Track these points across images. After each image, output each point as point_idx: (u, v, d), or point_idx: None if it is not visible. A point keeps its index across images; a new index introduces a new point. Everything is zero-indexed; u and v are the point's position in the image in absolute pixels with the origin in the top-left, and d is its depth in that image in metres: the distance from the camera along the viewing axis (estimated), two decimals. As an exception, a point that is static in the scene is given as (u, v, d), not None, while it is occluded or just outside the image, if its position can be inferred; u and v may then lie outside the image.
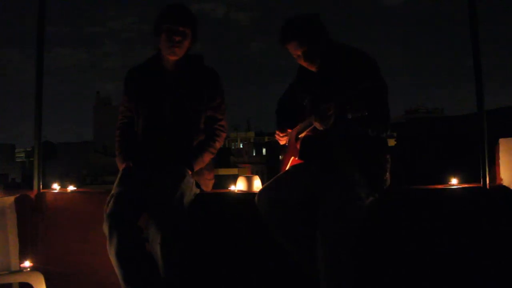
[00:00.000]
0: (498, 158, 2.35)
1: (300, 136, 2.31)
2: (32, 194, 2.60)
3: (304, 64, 2.24)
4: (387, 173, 2.18)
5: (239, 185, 2.51)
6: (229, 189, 2.51)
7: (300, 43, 2.17)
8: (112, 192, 2.21)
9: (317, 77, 2.25)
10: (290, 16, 2.24)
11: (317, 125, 2.06)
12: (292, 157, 2.36)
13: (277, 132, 2.46)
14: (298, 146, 2.31)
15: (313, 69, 2.25)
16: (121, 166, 2.38)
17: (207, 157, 2.40)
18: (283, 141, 2.45)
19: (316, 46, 2.18)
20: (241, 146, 51.35)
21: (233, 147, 54.20)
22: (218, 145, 2.44)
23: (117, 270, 2.05)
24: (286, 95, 2.53)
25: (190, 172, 2.30)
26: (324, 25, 2.22)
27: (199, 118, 2.40)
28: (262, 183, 2.43)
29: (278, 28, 2.24)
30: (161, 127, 2.37)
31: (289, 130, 2.42)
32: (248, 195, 2.36)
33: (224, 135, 2.47)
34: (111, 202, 2.14)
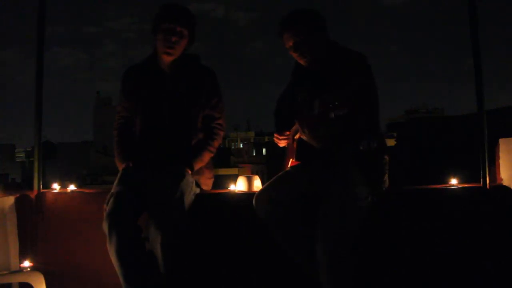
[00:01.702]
0: (498, 158, 2.35)
1: (295, 137, 2.31)
2: (32, 194, 2.60)
3: (294, 55, 2.24)
4: (386, 174, 2.18)
5: (239, 185, 2.51)
6: (229, 189, 2.51)
7: (293, 34, 2.18)
8: (112, 191, 2.21)
9: (311, 77, 2.24)
10: (291, 10, 2.25)
11: (300, 131, 2.08)
12: (291, 159, 2.36)
13: (275, 135, 2.45)
14: (295, 147, 2.31)
15: (302, 62, 2.24)
16: (120, 166, 2.38)
17: (207, 156, 2.40)
18: (281, 143, 2.44)
19: (308, 39, 2.17)
20: (241, 146, 51.39)
21: (233, 147, 54.25)
22: (216, 143, 2.44)
23: (117, 269, 2.05)
24: (284, 97, 2.52)
25: (190, 172, 2.30)
26: (321, 22, 2.22)
27: (197, 117, 2.40)
28: (262, 183, 2.43)
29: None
30: (160, 127, 2.37)
31: (287, 132, 2.42)
32: (248, 195, 2.36)
33: (222, 133, 2.47)
34: (111, 201, 2.15)
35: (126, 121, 2.50)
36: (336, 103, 1.91)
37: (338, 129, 2.05)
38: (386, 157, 2.18)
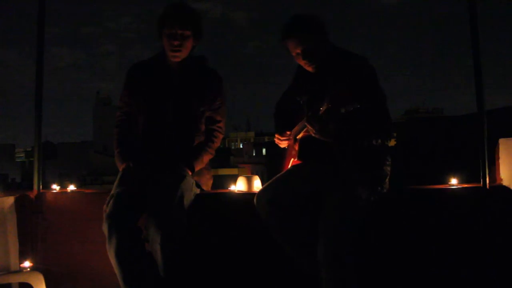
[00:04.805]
0: (498, 158, 2.35)
1: (298, 137, 2.31)
2: (32, 194, 2.60)
3: (302, 62, 2.24)
4: (388, 175, 2.18)
5: (239, 185, 2.51)
6: (229, 189, 2.51)
7: (301, 41, 2.17)
8: (112, 192, 2.21)
9: (314, 78, 2.24)
10: (294, 14, 2.24)
11: (309, 129, 2.08)
12: (292, 159, 2.36)
13: (276, 136, 2.45)
14: (296, 147, 2.31)
15: (309, 69, 2.24)
16: (120, 166, 2.38)
17: (207, 158, 2.42)
18: (282, 144, 2.44)
19: (317, 46, 2.18)
20: (241, 146, 51.44)
21: (233, 147, 54.30)
22: (216, 146, 2.47)
23: (116, 270, 2.06)
24: (284, 98, 2.52)
25: (190, 173, 2.30)
26: (325, 27, 2.22)
27: (200, 119, 2.41)
28: (262, 183, 2.43)
29: (280, 25, 2.24)
30: (163, 126, 2.37)
31: (288, 133, 2.42)
32: (248, 195, 2.36)
33: (221, 136, 2.50)
34: (111, 202, 2.14)
35: (127, 118, 2.48)
36: (346, 99, 1.90)
37: (348, 125, 2.05)
38: (388, 158, 2.18)
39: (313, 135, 2.13)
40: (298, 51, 2.19)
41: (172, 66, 2.41)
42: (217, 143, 2.47)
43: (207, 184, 2.49)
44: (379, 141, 2.12)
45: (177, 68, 2.40)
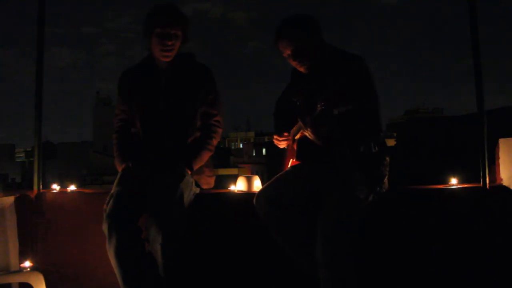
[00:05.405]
0: (498, 158, 2.35)
1: (296, 137, 2.31)
2: (32, 194, 2.60)
3: (293, 63, 2.23)
4: (386, 175, 2.18)
5: (239, 185, 2.51)
6: (229, 189, 2.51)
7: (289, 42, 2.16)
8: (112, 191, 2.21)
9: (310, 78, 2.24)
10: (285, 17, 2.24)
11: (303, 129, 2.08)
12: (291, 159, 2.36)
13: (275, 137, 2.45)
14: (295, 148, 2.31)
15: (302, 69, 2.23)
16: (120, 168, 2.38)
17: (206, 155, 2.39)
18: (282, 145, 2.44)
19: (305, 46, 2.15)
20: (241, 146, 51.50)
21: (233, 147, 54.35)
22: (215, 141, 2.43)
23: (116, 270, 2.05)
24: (283, 97, 2.52)
25: (189, 172, 2.30)
26: (318, 27, 2.20)
27: (194, 114, 2.39)
28: (262, 183, 2.43)
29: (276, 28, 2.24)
30: (158, 126, 2.37)
31: (286, 134, 2.41)
32: (248, 195, 2.36)
33: (220, 130, 2.44)
34: (111, 202, 2.14)
35: (125, 124, 2.49)
36: (339, 100, 1.90)
37: (341, 127, 2.05)
38: (387, 158, 2.17)
39: (308, 135, 2.13)
40: (289, 52, 2.18)
41: (162, 67, 2.40)
42: (216, 139, 2.43)
43: (208, 182, 2.47)
44: (366, 148, 2.10)
45: (166, 68, 2.39)
